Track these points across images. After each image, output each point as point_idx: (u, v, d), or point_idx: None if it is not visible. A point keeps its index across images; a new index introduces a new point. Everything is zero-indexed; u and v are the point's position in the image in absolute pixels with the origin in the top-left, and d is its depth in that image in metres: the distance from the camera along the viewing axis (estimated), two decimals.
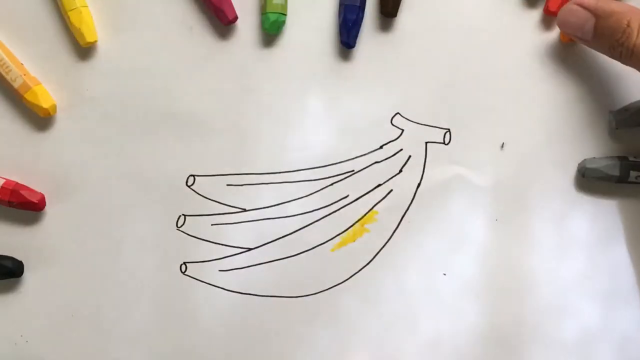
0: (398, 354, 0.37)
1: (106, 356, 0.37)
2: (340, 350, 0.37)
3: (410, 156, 0.38)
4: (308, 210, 0.38)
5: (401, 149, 0.38)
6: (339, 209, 0.38)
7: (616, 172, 0.36)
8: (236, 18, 0.37)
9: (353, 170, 0.38)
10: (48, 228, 0.37)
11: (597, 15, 0.33)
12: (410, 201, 0.38)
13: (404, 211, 0.38)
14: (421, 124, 0.38)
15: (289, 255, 0.38)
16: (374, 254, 0.37)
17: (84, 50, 0.37)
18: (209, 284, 0.37)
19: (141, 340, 0.37)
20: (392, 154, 0.38)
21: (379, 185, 0.38)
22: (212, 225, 0.38)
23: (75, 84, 0.37)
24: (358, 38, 0.37)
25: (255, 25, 0.38)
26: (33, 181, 0.37)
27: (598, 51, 0.35)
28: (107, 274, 0.37)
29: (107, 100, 0.37)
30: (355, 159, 0.38)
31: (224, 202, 0.38)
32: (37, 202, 0.36)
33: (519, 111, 0.38)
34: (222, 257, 0.38)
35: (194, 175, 0.38)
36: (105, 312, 0.37)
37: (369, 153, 0.38)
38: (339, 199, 0.38)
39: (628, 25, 0.32)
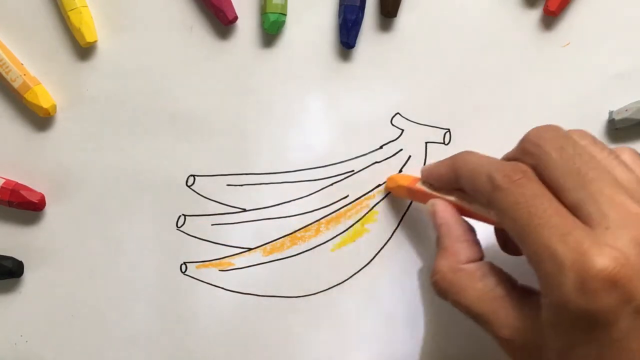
0: (398, 354, 0.37)
1: (106, 356, 0.37)
2: (340, 350, 0.37)
3: (410, 156, 0.38)
4: (308, 210, 0.38)
5: (401, 149, 0.38)
6: (339, 209, 0.38)
7: None
8: (236, 18, 0.37)
9: (353, 170, 0.38)
10: (48, 228, 0.37)
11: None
12: (410, 201, 0.38)
13: (404, 211, 0.38)
14: (421, 124, 0.38)
15: (289, 255, 0.38)
16: (374, 254, 0.37)
17: (84, 50, 0.37)
18: (209, 283, 0.37)
19: (141, 340, 0.37)
20: (392, 154, 0.38)
21: (379, 186, 0.38)
22: (212, 225, 0.38)
23: (75, 84, 0.37)
24: (358, 38, 0.37)
25: (255, 25, 0.38)
26: (33, 181, 0.37)
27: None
28: (107, 274, 0.37)
29: (107, 100, 0.37)
30: (355, 159, 0.38)
31: (224, 202, 0.38)
32: (37, 202, 0.36)
33: (519, 111, 0.38)
34: (222, 257, 0.38)
35: (194, 175, 0.38)
36: (105, 312, 0.37)
37: (369, 153, 0.38)
38: (339, 199, 0.38)
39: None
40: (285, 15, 0.37)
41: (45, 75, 0.37)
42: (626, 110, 0.37)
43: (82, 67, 0.37)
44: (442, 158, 0.37)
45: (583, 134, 0.29)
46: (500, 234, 0.33)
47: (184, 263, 0.37)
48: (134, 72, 0.37)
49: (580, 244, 0.24)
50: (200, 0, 0.37)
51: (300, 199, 0.38)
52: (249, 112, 0.37)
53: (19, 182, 0.36)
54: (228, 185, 0.38)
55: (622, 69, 0.38)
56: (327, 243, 0.38)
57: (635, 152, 0.30)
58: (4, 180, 0.36)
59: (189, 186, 0.37)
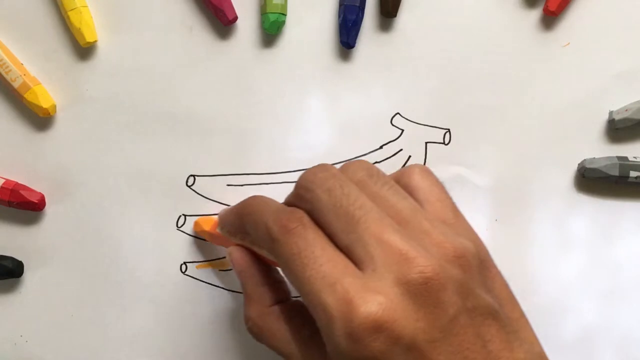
0: None
1: (106, 356, 0.37)
2: None
3: (410, 156, 0.38)
4: None
5: (401, 149, 0.38)
6: None
7: (616, 172, 0.36)
8: (236, 18, 0.37)
9: None
10: (48, 228, 0.37)
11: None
12: None
13: None
14: (421, 124, 0.38)
15: None
16: None
17: (84, 50, 0.37)
18: (209, 283, 0.37)
19: (141, 340, 0.37)
20: (392, 154, 0.38)
21: None
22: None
23: (75, 84, 0.37)
24: (358, 38, 0.37)
25: (255, 25, 0.38)
26: (33, 181, 0.37)
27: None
28: (107, 274, 0.37)
29: (107, 100, 0.37)
30: (355, 159, 0.38)
31: (224, 202, 0.38)
32: (37, 202, 0.36)
33: (519, 111, 0.38)
34: (222, 257, 0.38)
35: (194, 175, 0.38)
36: (105, 312, 0.37)
37: (369, 153, 0.38)
38: None
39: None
40: (285, 15, 0.37)
41: (45, 75, 0.37)
42: (626, 110, 0.37)
43: (82, 67, 0.37)
44: (442, 158, 0.38)
45: (359, 166, 0.28)
46: None
47: (184, 263, 0.37)
48: (134, 72, 0.37)
49: (347, 292, 0.24)
50: (200, 0, 0.37)
51: None
52: (249, 112, 0.37)
53: (19, 182, 0.36)
54: (228, 185, 0.38)
55: (622, 69, 0.38)
56: None
57: (425, 169, 0.29)
58: (4, 180, 0.36)
59: (189, 186, 0.37)
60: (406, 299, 0.24)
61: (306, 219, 0.27)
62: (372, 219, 0.26)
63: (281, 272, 0.32)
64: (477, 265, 0.26)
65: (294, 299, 0.32)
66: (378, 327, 0.24)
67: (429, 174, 0.29)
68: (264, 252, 0.31)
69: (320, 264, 0.25)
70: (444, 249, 0.25)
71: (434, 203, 0.28)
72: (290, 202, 0.29)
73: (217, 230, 0.34)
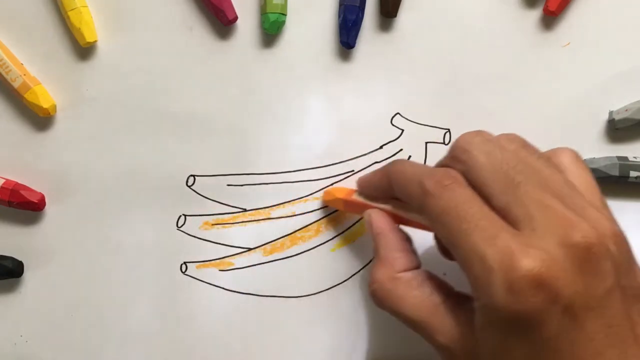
0: (399, 354, 0.37)
1: (106, 356, 0.37)
2: (341, 350, 0.37)
3: (410, 156, 0.38)
4: (308, 210, 0.38)
5: (401, 149, 0.38)
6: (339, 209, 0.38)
7: (616, 172, 0.36)
8: (236, 18, 0.37)
9: (353, 171, 0.38)
10: (48, 228, 0.37)
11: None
12: None
13: None
14: (421, 124, 0.38)
15: (289, 255, 0.38)
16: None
17: (84, 50, 0.37)
18: (209, 283, 0.37)
19: (141, 340, 0.37)
20: (392, 154, 0.38)
21: None
22: (212, 225, 0.38)
23: (75, 84, 0.37)
24: (358, 38, 0.37)
25: (255, 25, 0.38)
26: (33, 181, 0.37)
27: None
28: (107, 273, 0.37)
29: (107, 100, 0.37)
30: (355, 159, 0.38)
31: (224, 202, 0.38)
32: (37, 202, 0.36)
33: (519, 111, 0.38)
34: (222, 257, 0.38)
35: (194, 175, 0.38)
36: (105, 312, 0.37)
37: (369, 153, 0.38)
38: None
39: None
40: (285, 15, 0.37)
41: (45, 75, 0.37)
42: (626, 110, 0.37)
43: (82, 67, 0.37)
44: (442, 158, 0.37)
45: (512, 137, 0.28)
46: (439, 239, 0.33)
47: (184, 263, 0.37)
48: (134, 72, 0.37)
49: (508, 246, 0.24)
50: (200, 1, 0.37)
51: (301, 199, 0.38)
52: (249, 112, 0.38)
53: (19, 182, 0.36)
54: (228, 185, 0.38)
55: (622, 69, 0.38)
56: (327, 243, 0.38)
57: (576, 154, 0.29)
58: (4, 180, 0.36)
59: (189, 186, 0.37)
60: (568, 260, 0.24)
61: (461, 178, 0.27)
62: (532, 183, 0.26)
63: (414, 244, 0.32)
64: (628, 249, 0.26)
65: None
66: (540, 283, 0.23)
67: (580, 159, 0.29)
68: (410, 215, 0.31)
69: (478, 219, 0.25)
70: (601, 225, 0.25)
71: (584, 188, 0.28)
72: (444, 163, 0.29)
73: (353, 197, 0.34)
